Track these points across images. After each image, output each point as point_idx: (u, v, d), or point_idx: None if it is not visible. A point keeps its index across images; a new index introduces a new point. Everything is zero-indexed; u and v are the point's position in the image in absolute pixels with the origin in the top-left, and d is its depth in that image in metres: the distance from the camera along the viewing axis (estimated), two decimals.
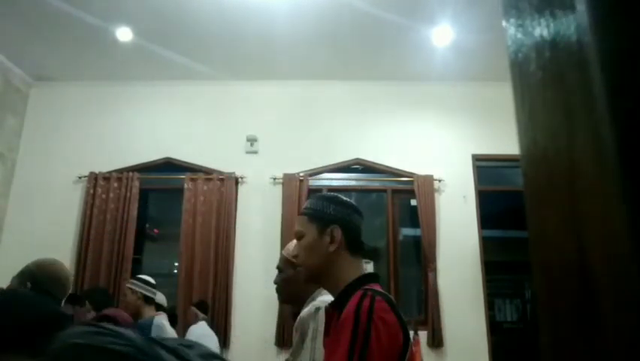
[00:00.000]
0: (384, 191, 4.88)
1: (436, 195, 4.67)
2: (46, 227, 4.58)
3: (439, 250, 4.55)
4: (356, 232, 1.39)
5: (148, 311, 3.05)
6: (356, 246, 1.38)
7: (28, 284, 1.84)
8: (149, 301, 3.10)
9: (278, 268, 2.38)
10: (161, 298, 3.37)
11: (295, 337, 1.77)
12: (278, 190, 4.66)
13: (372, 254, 1.46)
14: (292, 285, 1.85)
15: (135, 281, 3.17)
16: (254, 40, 4.30)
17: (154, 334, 2.78)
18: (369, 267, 3.61)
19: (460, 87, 4.85)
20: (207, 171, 4.73)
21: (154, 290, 3.18)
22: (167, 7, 3.93)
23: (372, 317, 1.19)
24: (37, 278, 1.86)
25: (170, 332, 3.04)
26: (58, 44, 4.47)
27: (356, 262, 1.39)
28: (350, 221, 1.38)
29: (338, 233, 1.36)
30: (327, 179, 4.87)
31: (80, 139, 4.89)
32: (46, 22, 4.14)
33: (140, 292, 3.09)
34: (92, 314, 2.84)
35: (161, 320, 2.94)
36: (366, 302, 1.23)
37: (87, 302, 2.92)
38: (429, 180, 4.66)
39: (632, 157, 0.24)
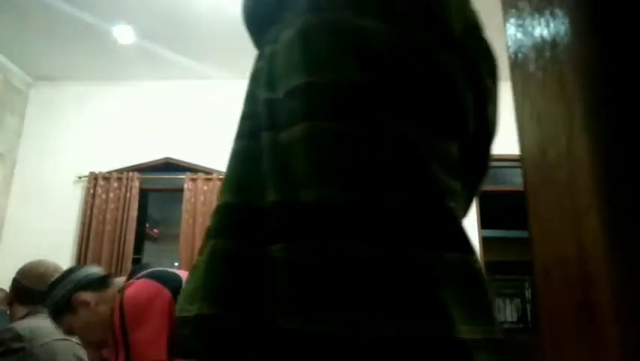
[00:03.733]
0: None
1: None
2: (46, 227, 4.58)
3: None
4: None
5: None
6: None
7: (10, 287, 1.90)
8: None
9: None
10: None
11: None
12: None
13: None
14: None
15: None
16: None
17: None
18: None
19: None
20: (207, 171, 4.73)
21: None
22: (167, 7, 3.93)
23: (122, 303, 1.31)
24: (17, 280, 1.92)
25: None
26: (58, 44, 4.47)
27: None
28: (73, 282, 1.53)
29: (83, 296, 1.49)
30: None
31: (80, 139, 4.89)
32: (46, 22, 4.14)
33: None
34: None
35: None
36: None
37: None
38: None
39: (631, 157, 0.24)
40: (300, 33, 0.56)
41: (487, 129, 0.64)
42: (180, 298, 0.57)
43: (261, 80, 0.60)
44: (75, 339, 1.94)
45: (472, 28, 0.64)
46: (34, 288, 1.88)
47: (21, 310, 1.84)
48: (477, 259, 0.52)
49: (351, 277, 0.48)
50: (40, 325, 1.77)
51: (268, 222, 0.52)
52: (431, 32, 0.55)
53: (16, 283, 1.89)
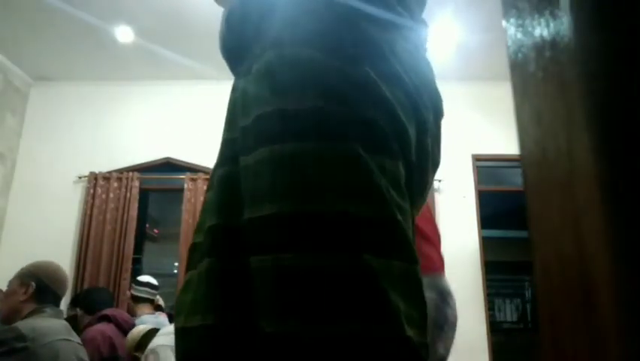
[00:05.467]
0: None
1: (436, 195, 4.67)
2: (46, 227, 4.58)
3: None
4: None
5: (144, 310, 3.11)
6: None
7: (33, 284, 1.89)
8: (145, 301, 3.16)
9: None
10: (160, 300, 3.43)
11: None
12: None
13: None
14: None
15: (136, 286, 3.23)
16: None
17: None
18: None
19: (461, 87, 4.85)
20: (207, 171, 4.73)
21: (154, 292, 3.22)
22: (167, 7, 3.93)
23: None
24: (41, 278, 1.93)
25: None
26: (58, 44, 4.47)
27: None
28: None
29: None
30: None
31: (79, 139, 4.89)
32: (46, 22, 4.14)
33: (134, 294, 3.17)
34: (88, 318, 2.84)
35: (147, 318, 2.97)
36: None
37: (77, 308, 2.93)
38: None
39: (632, 157, 0.24)
40: (267, 66, 0.64)
41: (425, 160, 0.71)
42: (177, 310, 0.65)
43: (238, 109, 0.67)
44: (76, 339, 1.94)
45: (420, 72, 0.73)
46: (54, 289, 1.94)
47: (30, 307, 1.86)
48: (418, 269, 0.60)
49: (316, 283, 0.54)
50: (43, 325, 1.78)
51: (245, 238, 0.59)
52: (377, 70, 0.64)
53: (39, 281, 1.91)
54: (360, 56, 0.64)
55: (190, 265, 0.67)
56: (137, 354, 2.13)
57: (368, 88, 0.62)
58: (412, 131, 0.65)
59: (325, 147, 0.58)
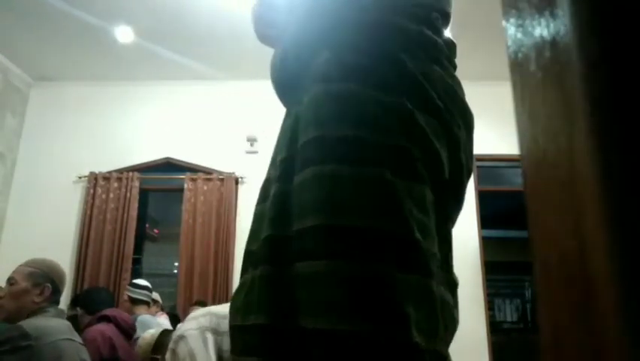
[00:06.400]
0: None
1: None
2: (46, 227, 4.58)
3: None
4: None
5: (141, 311, 3.19)
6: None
7: (49, 286, 1.89)
8: (142, 303, 3.26)
9: None
10: (156, 298, 3.54)
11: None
12: None
13: None
14: None
15: (133, 289, 3.33)
16: (254, 39, 4.29)
17: (138, 330, 2.85)
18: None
19: None
20: (207, 171, 4.73)
21: (150, 294, 3.35)
22: (167, 6, 3.93)
23: None
24: (54, 280, 1.95)
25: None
26: (58, 44, 4.47)
27: None
28: None
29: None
30: None
31: (80, 139, 4.89)
32: (46, 22, 4.14)
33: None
34: (88, 317, 2.84)
35: (146, 317, 3.04)
36: None
37: (77, 308, 2.94)
38: None
39: (631, 157, 0.24)
40: (313, 98, 0.74)
41: (460, 173, 0.80)
42: (233, 310, 0.76)
43: (290, 134, 0.78)
44: (78, 339, 1.94)
45: (451, 93, 0.81)
46: (60, 290, 1.97)
47: (36, 307, 1.86)
48: (432, 281, 0.68)
49: (342, 287, 0.63)
50: (47, 324, 1.78)
51: (294, 247, 0.69)
52: (414, 100, 0.72)
53: (53, 283, 1.92)
54: (399, 88, 0.72)
55: (244, 270, 0.78)
56: (156, 356, 2.12)
57: (403, 118, 0.70)
58: (444, 153, 0.73)
59: (358, 171, 0.67)
